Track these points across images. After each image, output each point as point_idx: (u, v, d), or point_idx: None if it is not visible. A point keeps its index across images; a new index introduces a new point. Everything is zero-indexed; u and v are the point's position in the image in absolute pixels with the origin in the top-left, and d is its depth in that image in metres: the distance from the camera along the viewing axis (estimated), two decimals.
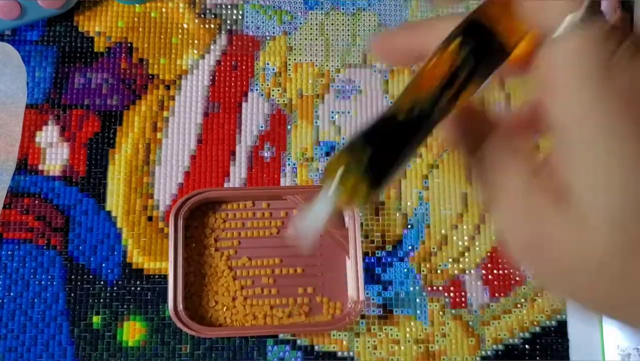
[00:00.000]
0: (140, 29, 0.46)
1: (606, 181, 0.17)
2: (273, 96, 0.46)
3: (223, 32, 0.47)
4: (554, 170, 0.19)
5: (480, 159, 0.21)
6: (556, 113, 0.18)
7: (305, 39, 0.47)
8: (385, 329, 0.42)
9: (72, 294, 0.41)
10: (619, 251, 0.17)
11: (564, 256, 0.18)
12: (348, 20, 0.48)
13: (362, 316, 0.42)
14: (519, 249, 0.19)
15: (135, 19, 0.46)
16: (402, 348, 0.42)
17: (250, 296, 0.42)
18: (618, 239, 0.17)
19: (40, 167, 0.43)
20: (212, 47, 0.46)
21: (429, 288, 0.43)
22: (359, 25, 0.48)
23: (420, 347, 0.42)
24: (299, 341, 0.42)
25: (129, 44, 0.46)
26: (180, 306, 0.39)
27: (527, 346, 0.43)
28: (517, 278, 0.44)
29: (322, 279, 0.42)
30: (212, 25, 0.47)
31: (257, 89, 0.46)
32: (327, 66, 0.47)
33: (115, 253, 0.42)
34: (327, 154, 0.45)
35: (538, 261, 0.19)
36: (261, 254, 0.42)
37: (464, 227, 0.44)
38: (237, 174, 0.44)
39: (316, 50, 0.47)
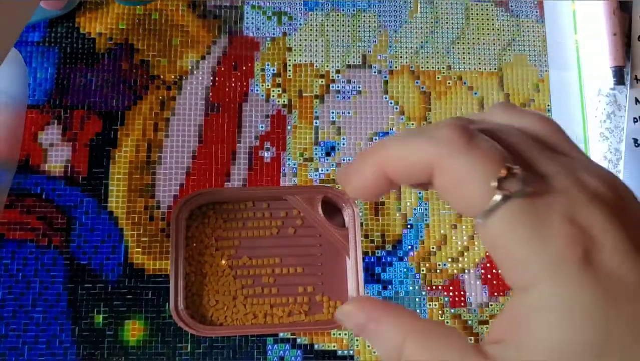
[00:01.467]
0: (142, 30, 0.46)
1: (558, 342, 0.18)
2: (273, 96, 0.46)
3: (223, 33, 0.47)
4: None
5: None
6: (510, 278, 0.20)
7: (305, 39, 0.47)
8: None
9: (74, 294, 0.42)
10: None
11: None
12: (348, 21, 0.48)
13: None
14: None
15: (137, 20, 0.47)
16: None
17: (251, 295, 0.42)
18: None
19: (41, 167, 0.44)
20: (212, 48, 0.47)
21: (428, 288, 0.43)
22: (358, 26, 0.48)
23: None
24: (299, 340, 0.42)
25: (130, 45, 0.46)
26: (181, 306, 0.40)
27: None
28: None
29: (322, 278, 0.42)
30: (213, 27, 0.47)
31: (257, 90, 0.46)
32: (326, 66, 0.47)
33: (117, 252, 0.42)
34: (327, 154, 0.45)
35: None
36: (261, 253, 0.42)
37: (463, 226, 0.45)
38: (238, 174, 0.44)
39: (316, 51, 0.47)
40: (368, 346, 0.42)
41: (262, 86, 0.46)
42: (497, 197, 0.19)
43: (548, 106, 0.47)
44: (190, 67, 0.46)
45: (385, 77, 0.47)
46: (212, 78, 0.46)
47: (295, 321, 0.41)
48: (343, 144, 0.46)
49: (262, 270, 0.42)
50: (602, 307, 0.18)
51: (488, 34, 0.49)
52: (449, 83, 0.47)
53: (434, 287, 0.43)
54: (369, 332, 0.22)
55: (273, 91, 0.46)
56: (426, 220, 0.44)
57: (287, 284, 0.42)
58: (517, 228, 0.19)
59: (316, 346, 0.42)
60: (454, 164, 0.20)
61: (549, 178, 0.20)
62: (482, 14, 0.49)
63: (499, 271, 0.21)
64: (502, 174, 0.19)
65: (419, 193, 0.45)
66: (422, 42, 0.48)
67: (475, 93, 0.47)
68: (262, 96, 0.46)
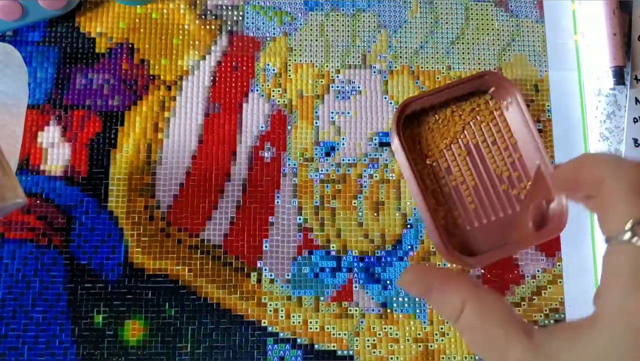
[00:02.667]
0: (142, 30, 0.46)
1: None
2: (273, 96, 0.46)
3: (224, 33, 0.47)
4: None
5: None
6: (604, 303, 0.22)
7: (306, 40, 0.47)
8: (385, 328, 0.43)
9: (74, 294, 0.42)
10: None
11: None
12: (348, 21, 0.48)
13: (362, 316, 0.43)
14: None
15: (137, 20, 0.47)
16: (402, 346, 0.42)
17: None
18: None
19: (41, 167, 0.44)
20: (212, 48, 0.47)
21: None
22: (358, 26, 0.48)
23: (420, 346, 0.42)
24: (299, 340, 0.42)
25: (130, 45, 0.46)
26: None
27: None
28: (516, 278, 0.44)
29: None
30: (213, 27, 0.47)
31: (257, 90, 0.46)
32: (327, 66, 0.47)
33: (117, 252, 0.42)
34: (327, 154, 0.45)
35: None
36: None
37: None
38: (238, 174, 0.44)
39: (316, 51, 0.47)
40: (368, 346, 0.42)
41: (262, 86, 0.46)
42: (629, 235, 0.22)
43: (548, 106, 0.47)
44: (190, 67, 0.46)
45: (385, 77, 0.47)
46: (212, 78, 0.46)
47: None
48: (343, 144, 0.46)
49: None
50: None
51: (488, 34, 0.49)
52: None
53: None
54: (433, 298, 0.26)
55: (273, 91, 0.46)
56: None
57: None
58: (631, 262, 0.22)
59: (316, 346, 0.42)
60: (621, 194, 0.23)
61: None
62: (481, 14, 0.49)
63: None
64: (634, 218, 0.22)
65: None
66: (422, 42, 0.48)
67: None
68: (263, 95, 0.46)
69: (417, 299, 0.43)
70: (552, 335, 0.23)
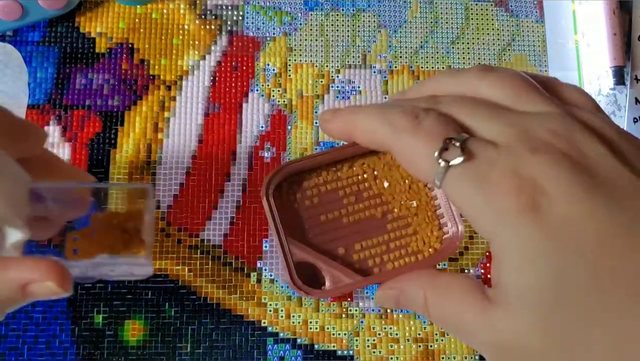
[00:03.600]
0: (142, 30, 0.46)
1: (521, 287, 0.20)
2: (273, 96, 0.46)
3: (223, 33, 0.47)
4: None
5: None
6: (477, 230, 0.22)
7: (305, 39, 0.47)
8: (385, 328, 0.43)
9: (73, 294, 0.42)
10: (538, 332, 0.20)
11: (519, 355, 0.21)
12: (348, 21, 0.48)
13: (362, 315, 0.43)
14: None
15: (137, 20, 0.47)
16: (402, 346, 0.42)
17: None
18: (536, 322, 0.20)
19: None
20: (212, 48, 0.47)
21: None
22: (358, 26, 0.48)
23: (420, 346, 0.42)
24: (299, 340, 0.42)
25: (130, 45, 0.46)
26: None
27: None
28: None
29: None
30: (213, 27, 0.47)
31: (257, 90, 0.46)
32: (327, 66, 0.47)
33: None
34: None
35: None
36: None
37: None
38: (237, 174, 0.44)
39: (316, 51, 0.47)
40: (368, 346, 0.42)
41: (262, 85, 0.46)
42: (441, 165, 0.21)
43: None
44: (190, 67, 0.46)
45: (385, 77, 0.47)
46: (212, 78, 0.46)
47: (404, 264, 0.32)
48: (343, 144, 0.45)
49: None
50: (553, 250, 0.20)
51: (488, 34, 0.49)
52: None
53: None
54: (402, 303, 0.26)
55: (273, 90, 0.46)
56: None
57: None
58: (463, 189, 0.21)
59: (316, 346, 0.42)
60: (403, 146, 0.23)
61: (493, 139, 0.21)
62: (481, 14, 0.49)
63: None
64: (441, 147, 0.21)
65: None
66: (422, 42, 0.48)
67: None
68: (263, 95, 0.46)
69: None
70: (494, 285, 0.22)
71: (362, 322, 0.43)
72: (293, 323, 0.42)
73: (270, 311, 0.43)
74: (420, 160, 0.22)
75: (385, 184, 0.31)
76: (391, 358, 0.42)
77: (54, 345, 0.41)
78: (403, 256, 0.31)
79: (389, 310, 0.43)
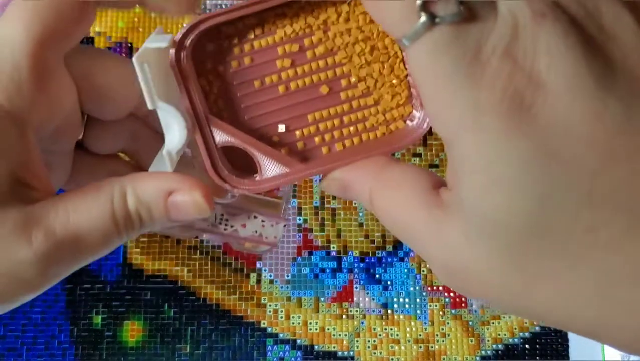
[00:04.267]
0: (140, 29, 0.46)
1: (485, 209, 0.16)
2: None
3: None
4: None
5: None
6: (435, 125, 0.17)
7: None
8: (386, 329, 0.42)
9: (72, 295, 0.41)
10: (497, 260, 0.16)
11: (466, 276, 0.17)
12: None
13: (363, 316, 0.42)
14: (440, 275, 0.19)
15: (135, 19, 0.46)
16: (402, 348, 0.42)
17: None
18: (497, 245, 0.16)
19: None
20: None
21: (429, 288, 0.43)
22: None
23: (420, 347, 0.42)
24: (299, 341, 0.42)
25: (129, 44, 0.46)
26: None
27: (527, 346, 0.43)
28: None
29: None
30: None
31: None
32: None
33: (115, 253, 0.42)
34: None
35: (456, 284, 0.18)
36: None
37: None
38: None
39: None
40: (368, 348, 0.42)
41: None
42: (422, 19, 0.15)
43: None
44: None
45: None
46: None
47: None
48: None
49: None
50: (540, 167, 0.15)
51: None
52: None
53: (434, 288, 0.43)
54: (349, 195, 0.21)
55: None
56: None
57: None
58: (440, 60, 0.15)
59: (316, 347, 0.42)
60: None
61: (494, 1, 0.16)
62: None
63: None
64: None
65: None
66: None
67: None
68: None
69: (417, 300, 0.43)
70: (451, 188, 0.18)
71: (362, 323, 0.42)
72: (293, 324, 0.42)
73: (270, 312, 0.42)
74: (393, 5, 0.16)
75: (340, 40, 0.22)
76: (392, 360, 0.42)
77: (53, 346, 0.41)
78: (359, 132, 0.23)
79: (389, 311, 0.43)
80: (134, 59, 0.20)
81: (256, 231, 0.26)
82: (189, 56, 0.22)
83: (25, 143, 0.20)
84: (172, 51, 0.21)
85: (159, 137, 0.25)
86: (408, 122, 0.23)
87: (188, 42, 0.22)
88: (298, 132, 0.23)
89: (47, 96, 0.20)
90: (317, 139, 0.24)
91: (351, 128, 0.23)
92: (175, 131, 0.21)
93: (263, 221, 0.26)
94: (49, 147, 0.23)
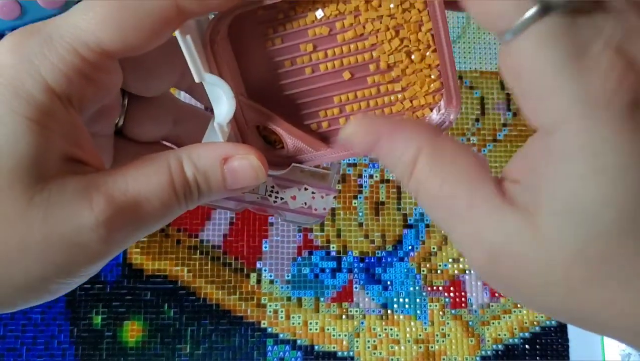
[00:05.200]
0: None
1: (581, 199, 0.15)
2: None
3: None
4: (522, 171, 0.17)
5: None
6: (535, 114, 0.16)
7: None
8: (386, 329, 0.42)
9: (72, 295, 0.41)
10: (576, 274, 0.16)
11: (521, 266, 0.17)
12: None
13: (363, 316, 0.42)
14: (480, 259, 0.18)
15: None
16: (402, 348, 0.42)
17: None
18: (578, 264, 0.16)
19: None
20: None
21: (429, 288, 0.43)
22: None
23: (420, 347, 0.42)
24: (299, 341, 0.42)
25: None
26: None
27: (527, 346, 0.43)
28: None
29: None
30: None
31: None
32: None
33: None
34: None
35: (497, 272, 0.18)
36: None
37: None
38: None
39: None
40: (368, 348, 0.42)
41: None
42: (533, 10, 0.15)
43: None
44: None
45: None
46: None
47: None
48: None
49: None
50: None
51: (488, 33, 0.48)
52: None
53: (434, 288, 0.43)
54: (382, 149, 0.19)
55: None
56: (427, 220, 0.44)
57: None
58: (552, 50, 0.15)
59: (316, 348, 0.42)
60: None
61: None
62: None
63: (522, 110, 0.17)
64: None
65: None
66: None
67: (476, 93, 0.47)
68: None
69: (417, 300, 0.43)
70: (520, 183, 0.17)
71: (362, 323, 0.42)
72: (293, 324, 0.42)
73: (270, 312, 0.42)
74: None
75: (371, 27, 0.22)
76: (392, 359, 0.42)
77: (53, 346, 0.41)
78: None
79: (389, 311, 0.43)
80: (177, 32, 0.20)
81: (305, 203, 0.26)
82: (225, 37, 0.22)
83: (74, 122, 0.20)
84: (208, 33, 0.21)
85: (201, 120, 0.25)
86: (435, 111, 0.23)
87: (224, 23, 0.22)
88: (322, 113, 0.24)
89: (95, 79, 0.20)
90: (341, 121, 0.24)
91: (377, 112, 0.24)
92: (223, 101, 0.21)
93: (313, 192, 0.26)
94: (90, 128, 0.23)
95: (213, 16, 0.21)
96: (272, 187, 0.25)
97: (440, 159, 0.18)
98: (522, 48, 0.16)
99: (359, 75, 0.23)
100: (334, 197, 0.26)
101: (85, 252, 0.19)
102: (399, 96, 0.23)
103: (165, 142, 0.27)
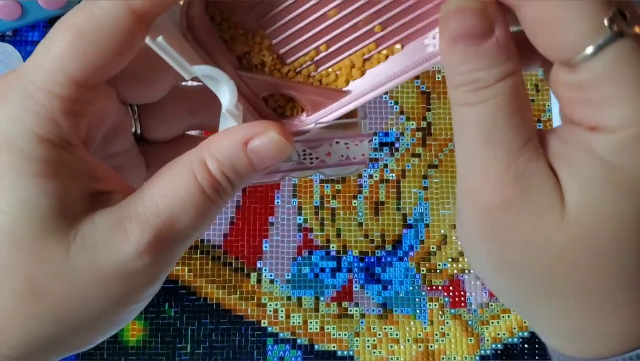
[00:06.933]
0: None
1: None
2: None
3: None
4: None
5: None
6: (590, 117, 0.18)
7: None
8: (385, 328, 0.43)
9: None
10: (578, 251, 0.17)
11: (525, 242, 0.18)
12: None
13: (362, 316, 0.43)
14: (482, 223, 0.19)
15: None
16: (402, 347, 0.42)
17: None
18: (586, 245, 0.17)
19: None
20: None
21: (429, 288, 0.43)
22: None
23: (420, 346, 0.42)
24: (299, 341, 0.42)
25: None
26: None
27: (526, 345, 0.43)
28: None
29: None
30: None
31: None
32: None
33: None
34: None
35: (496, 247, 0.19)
36: None
37: None
38: None
39: None
40: (368, 347, 0.42)
41: None
42: (608, 35, 0.17)
43: (548, 105, 0.47)
44: None
45: None
46: None
47: None
48: None
49: None
50: None
51: None
52: None
53: (434, 287, 0.43)
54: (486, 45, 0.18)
55: None
56: (426, 220, 0.44)
57: None
58: (625, 66, 0.17)
59: (316, 347, 0.42)
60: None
61: None
62: None
63: (573, 118, 0.18)
64: (614, 11, 0.17)
65: (419, 192, 0.45)
66: None
67: None
68: None
69: (416, 299, 0.43)
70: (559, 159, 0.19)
71: (362, 322, 0.43)
72: (293, 323, 0.42)
73: (270, 311, 0.43)
74: (574, 23, 0.17)
75: None
76: (391, 359, 0.42)
77: None
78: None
79: (388, 310, 0.43)
80: (146, 40, 0.19)
81: (342, 156, 0.25)
82: (203, 15, 0.21)
83: (81, 159, 0.19)
84: (183, 22, 0.21)
85: (217, 102, 0.24)
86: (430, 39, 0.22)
87: (196, 6, 0.21)
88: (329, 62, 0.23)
89: (82, 112, 0.20)
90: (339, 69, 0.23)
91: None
92: (223, 87, 0.21)
93: (346, 143, 0.25)
94: (106, 151, 0.23)
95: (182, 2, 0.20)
96: (304, 150, 0.25)
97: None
98: (596, 69, 0.17)
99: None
100: (369, 141, 0.25)
101: (138, 279, 0.19)
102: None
103: (190, 133, 0.27)
